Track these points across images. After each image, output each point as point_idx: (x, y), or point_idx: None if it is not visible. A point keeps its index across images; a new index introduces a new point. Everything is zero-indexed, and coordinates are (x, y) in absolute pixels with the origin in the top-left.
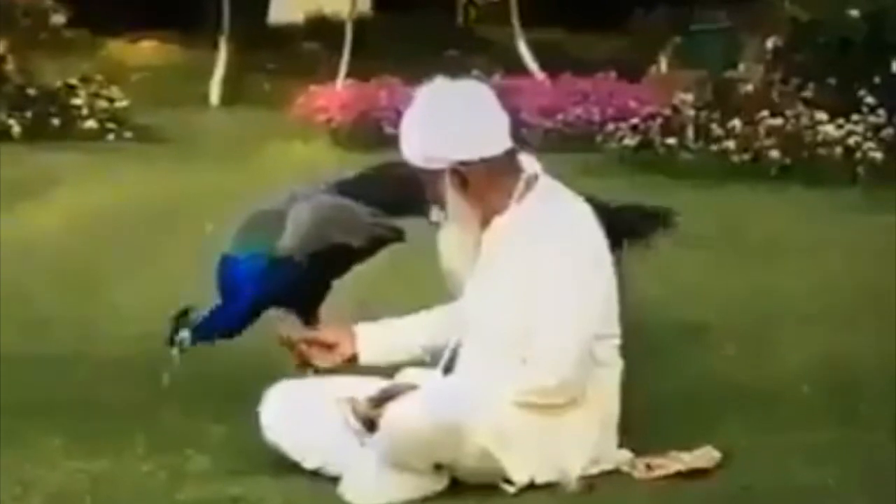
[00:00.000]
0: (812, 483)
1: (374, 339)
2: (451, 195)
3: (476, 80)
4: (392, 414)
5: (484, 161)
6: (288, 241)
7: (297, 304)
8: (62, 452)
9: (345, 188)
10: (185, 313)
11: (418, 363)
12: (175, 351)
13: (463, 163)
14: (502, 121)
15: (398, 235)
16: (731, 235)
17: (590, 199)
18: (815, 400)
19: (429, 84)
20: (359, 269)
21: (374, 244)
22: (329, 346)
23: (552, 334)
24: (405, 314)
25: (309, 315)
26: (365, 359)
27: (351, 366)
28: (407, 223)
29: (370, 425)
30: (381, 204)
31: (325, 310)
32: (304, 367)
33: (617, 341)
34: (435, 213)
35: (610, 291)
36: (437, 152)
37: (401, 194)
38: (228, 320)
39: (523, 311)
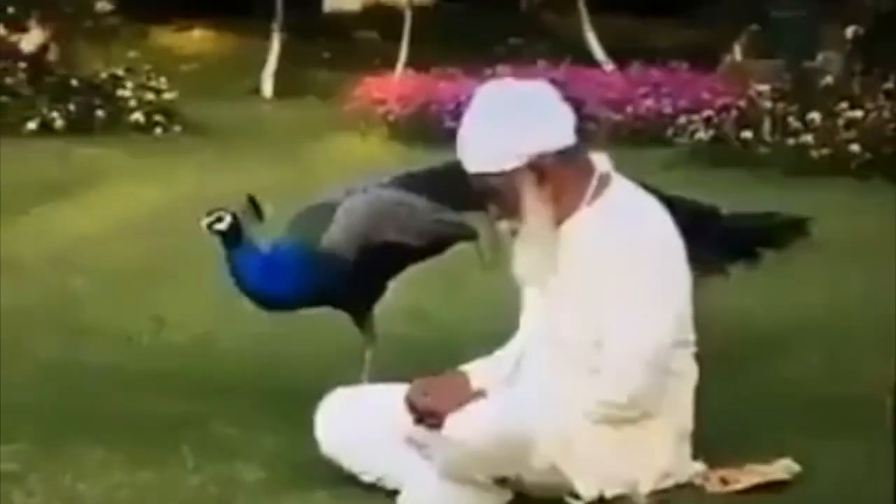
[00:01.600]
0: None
1: (487, 382)
2: (529, 193)
3: (536, 81)
4: (455, 425)
5: (559, 154)
6: (334, 235)
7: (348, 303)
8: (105, 464)
9: (409, 183)
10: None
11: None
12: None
13: (539, 155)
14: (567, 116)
15: (469, 234)
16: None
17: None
18: None
19: (487, 84)
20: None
21: (439, 243)
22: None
23: (624, 345)
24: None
25: (361, 316)
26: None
27: None
28: None
29: (437, 426)
30: (451, 200)
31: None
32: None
33: (692, 349)
34: (504, 225)
35: (685, 298)
36: (509, 147)
37: (471, 190)
38: (259, 281)
39: (594, 319)
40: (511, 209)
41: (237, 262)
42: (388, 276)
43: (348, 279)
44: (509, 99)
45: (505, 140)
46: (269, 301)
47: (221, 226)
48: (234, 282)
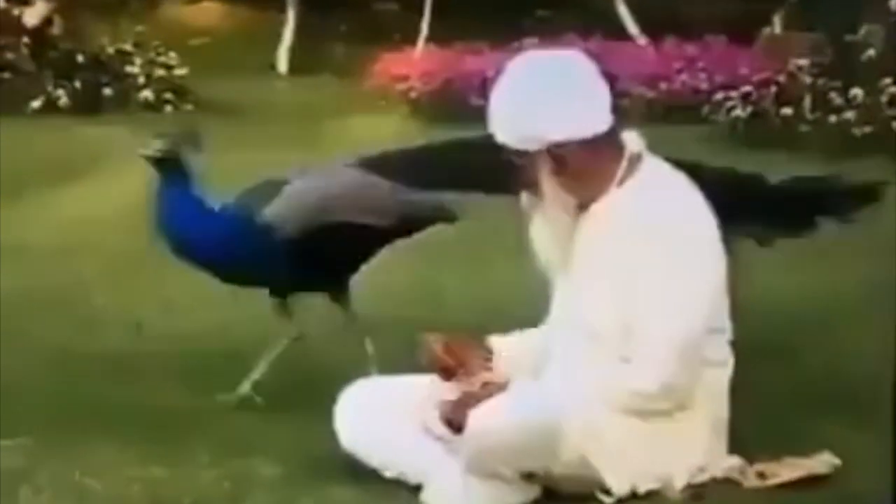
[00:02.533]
0: None
1: (509, 359)
2: (547, 179)
3: (573, 51)
4: (478, 416)
5: (584, 141)
6: (276, 209)
7: (299, 282)
8: (116, 459)
9: (378, 164)
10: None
11: None
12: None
13: (560, 144)
14: (603, 96)
15: (446, 215)
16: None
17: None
18: None
19: (521, 55)
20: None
21: (410, 224)
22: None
23: (656, 333)
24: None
25: (336, 297)
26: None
27: None
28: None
29: (458, 429)
30: (426, 181)
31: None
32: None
33: (728, 337)
34: (525, 199)
35: (720, 283)
36: (531, 132)
37: (446, 172)
38: (187, 229)
39: (624, 306)
40: (530, 186)
41: (170, 198)
42: (356, 258)
43: (288, 255)
44: (541, 76)
45: (526, 122)
46: (194, 253)
47: (155, 151)
48: (156, 221)
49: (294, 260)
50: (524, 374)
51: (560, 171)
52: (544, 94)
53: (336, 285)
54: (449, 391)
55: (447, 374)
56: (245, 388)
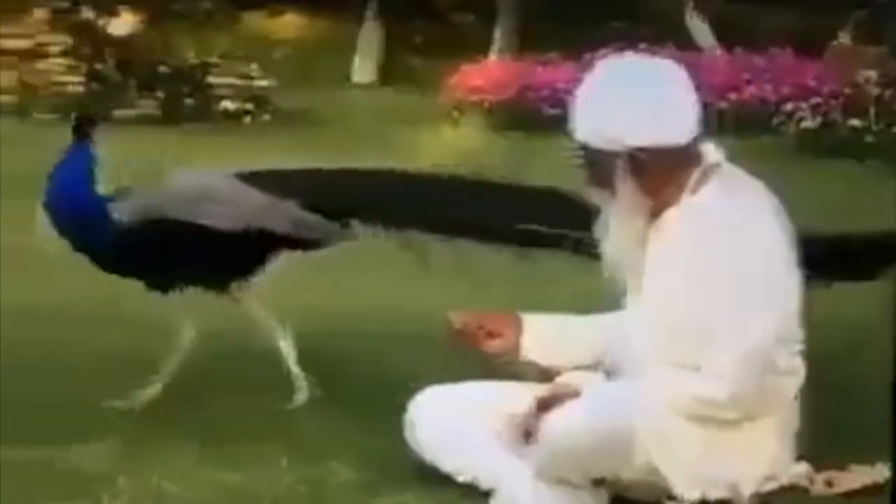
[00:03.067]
0: None
1: (540, 335)
2: (624, 182)
3: (669, 60)
4: (551, 423)
5: (665, 149)
6: (127, 197)
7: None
8: (195, 463)
9: (260, 179)
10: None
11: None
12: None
13: (641, 149)
14: (691, 107)
15: (324, 237)
16: None
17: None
18: None
19: (616, 57)
20: None
21: (306, 239)
22: (493, 333)
23: (726, 343)
24: None
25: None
26: (526, 353)
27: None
28: None
29: (527, 435)
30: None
31: None
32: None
33: (799, 347)
34: (595, 196)
35: (792, 294)
36: (614, 133)
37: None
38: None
39: (695, 313)
40: (603, 183)
41: (69, 157)
42: (221, 259)
43: (123, 245)
44: (634, 79)
45: (613, 123)
46: (69, 235)
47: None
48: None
49: (130, 250)
50: (554, 360)
51: (637, 174)
52: (634, 97)
53: (211, 283)
54: (520, 397)
55: (472, 341)
56: (155, 389)
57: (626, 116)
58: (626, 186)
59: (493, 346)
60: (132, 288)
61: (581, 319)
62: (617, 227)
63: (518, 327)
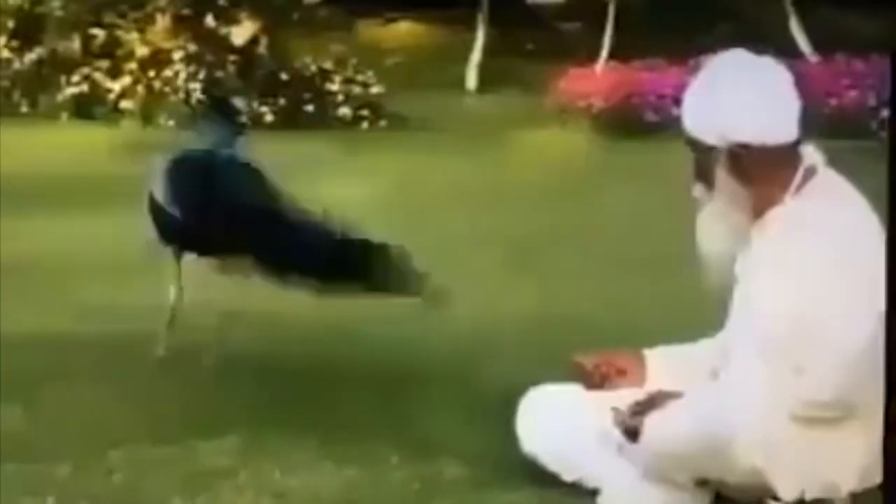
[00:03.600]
0: None
1: (663, 367)
2: (722, 176)
3: (777, 60)
4: (655, 423)
5: (765, 147)
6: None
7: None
8: (314, 460)
9: None
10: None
11: None
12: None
13: (742, 144)
14: (794, 108)
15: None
16: None
17: None
18: None
19: (726, 53)
20: None
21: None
22: (620, 373)
23: (829, 345)
24: None
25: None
26: (653, 387)
27: None
28: None
29: (633, 434)
30: None
31: None
32: (594, 388)
33: None
34: (697, 190)
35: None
36: (716, 126)
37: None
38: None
39: (797, 315)
40: (704, 178)
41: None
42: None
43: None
44: (740, 76)
45: (716, 116)
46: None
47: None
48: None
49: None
50: (679, 386)
51: (737, 171)
52: (740, 92)
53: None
54: (626, 399)
55: (603, 380)
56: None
57: (729, 112)
58: (724, 180)
59: (623, 383)
60: None
61: (698, 344)
62: (716, 223)
63: (642, 364)
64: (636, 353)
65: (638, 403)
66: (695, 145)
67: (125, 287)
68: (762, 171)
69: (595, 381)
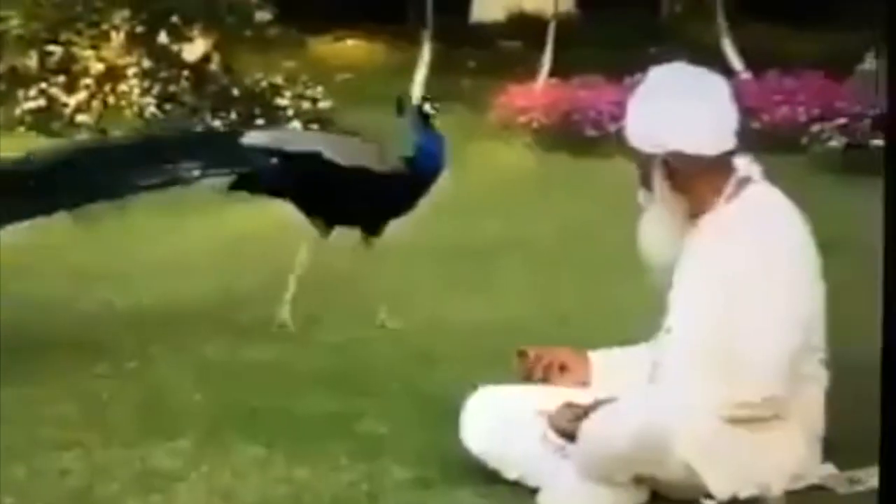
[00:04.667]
0: None
1: (608, 369)
2: (660, 183)
3: (716, 72)
4: (591, 426)
5: (701, 157)
6: None
7: None
8: (264, 461)
9: None
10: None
11: None
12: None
13: (677, 154)
14: (730, 118)
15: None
16: None
17: None
18: None
19: (667, 65)
20: None
21: None
22: (563, 368)
23: (758, 346)
24: None
25: None
26: (597, 388)
27: None
28: None
29: (570, 437)
30: None
31: None
32: (536, 380)
33: (822, 355)
34: (641, 196)
35: (818, 302)
36: (652, 136)
37: None
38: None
39: (728, 317)
40: (647, 184)
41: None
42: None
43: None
44: (678, 87)
45: (653, 126)
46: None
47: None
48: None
49: None
50: (626, 388)
51: (673, 176)
52: (676, 103)
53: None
54: (560, 401)
55: (545, 375)
56: (284, 314)
57: (664, 121)
58: (661, 186)
59: (566, 381)
60: None
61: (639, 346)
62: (655, 227)
63: (586, 363)
64: (581, 353)
65: (574, 407)
66: (636, 153)
67: (83, 290)
68: (697, 179)
69: (536, 372)
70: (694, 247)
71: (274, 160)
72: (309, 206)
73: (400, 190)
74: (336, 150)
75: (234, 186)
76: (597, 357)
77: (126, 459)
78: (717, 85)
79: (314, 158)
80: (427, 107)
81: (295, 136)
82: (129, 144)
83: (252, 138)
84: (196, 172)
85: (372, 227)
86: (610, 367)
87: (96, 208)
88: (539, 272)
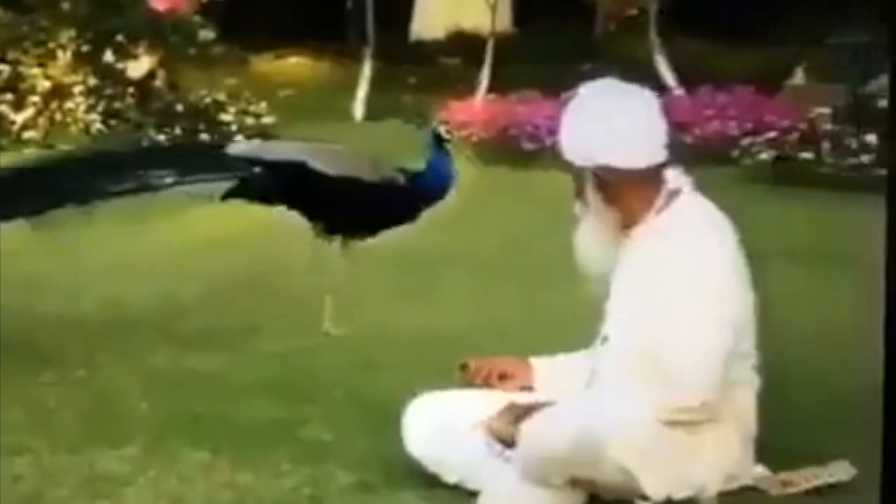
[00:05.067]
0: None
1: (551, 375)
2: (592, 194)
3: (645, 88)
4: (530, 429)
5: (631, 170)
6: None
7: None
8: (209, 467)
9: None
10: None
11: None
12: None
13: (607, 167)
14: (659, 133)
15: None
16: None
17: None
18: None
19: (598, 82)
20: None
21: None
22: (503, 377)
23: (691, 351)
24: None
25: None
26: (541, 393)
27: None
28: None
29: (508, 444)
30: None
31: None
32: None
33: (754, 360)
34: (577, 207)
35: (748, 309)
36: (584, 149)
37: None
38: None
39: (661, 324)
40: (582, 196)
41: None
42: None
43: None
44: (607, 103)
45: (583, 140)
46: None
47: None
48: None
49: None
50: (566, 393)
51: (604, 188)
52: (606, 118)
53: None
54: (497, 407)
55: (485, 383)
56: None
57: (594, 136)
58: (594, 198)
59: (508, 387)
60: None
61: (579, 353)
62: (590, 238)
63: (529, 370)
64: (523, 360)
65: (511, 412)
66: (570, 166)
67: (34, 298)
68: (627, 191)
69: (477, 384)
70: (627, 257)
71: (257, 169)
72: (307, 214)
73: (396, 200)
74: (323, 160)
75: (228, 195)
76: (540, 363)
77: (74, 465)
78: (645, 100)
79: (298, 168)
80: (443, 130)
81: (279, 147)
82: (106, 152)
83: (236, 148)
84: (169, 180)
85: (369, 236)
86: (553, 372)
87: (61, 214)
88: (480, 281)
